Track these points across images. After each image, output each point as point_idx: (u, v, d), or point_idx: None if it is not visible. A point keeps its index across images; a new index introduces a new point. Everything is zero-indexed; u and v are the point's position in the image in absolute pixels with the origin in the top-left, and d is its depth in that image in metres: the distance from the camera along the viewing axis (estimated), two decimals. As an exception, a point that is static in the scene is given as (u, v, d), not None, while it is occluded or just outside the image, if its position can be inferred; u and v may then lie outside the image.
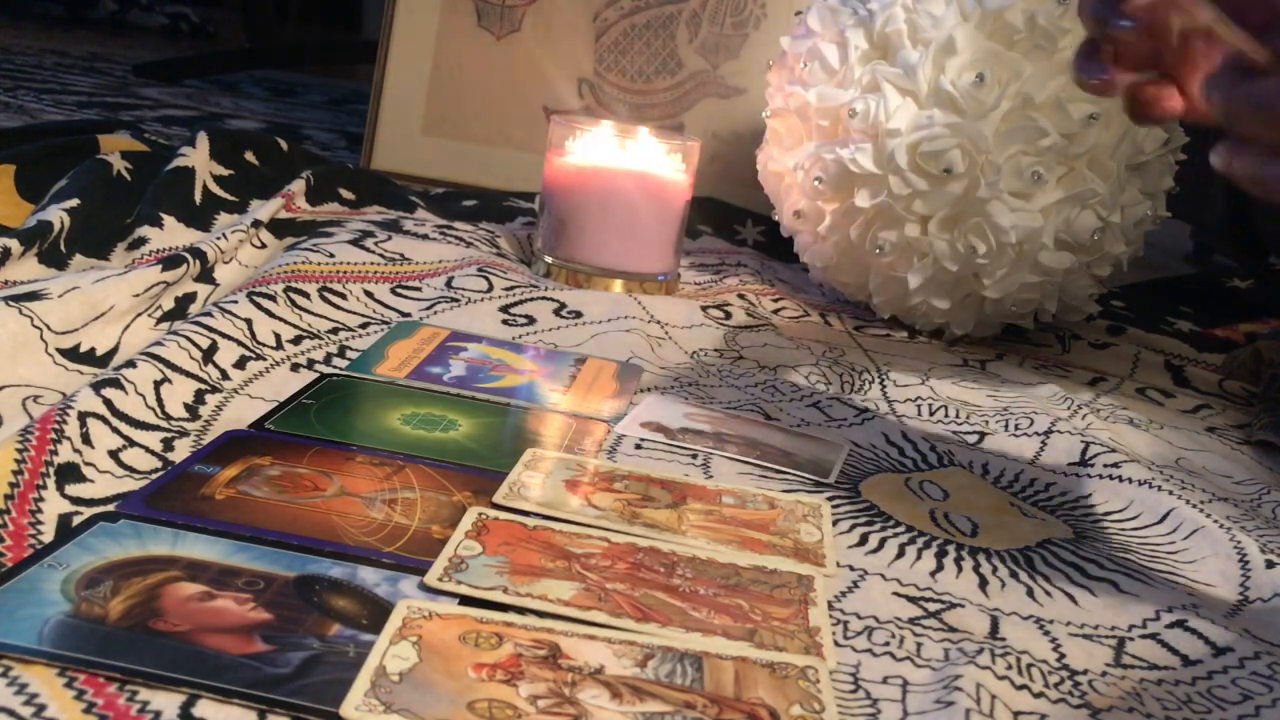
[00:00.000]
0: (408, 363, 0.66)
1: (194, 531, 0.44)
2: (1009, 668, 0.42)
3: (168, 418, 0.53)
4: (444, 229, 0.94)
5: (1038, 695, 0.41)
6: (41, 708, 0.33)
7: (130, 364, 0.54)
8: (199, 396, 0.56)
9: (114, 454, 0.49)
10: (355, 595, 0.41)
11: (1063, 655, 0.44)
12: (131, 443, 0.50)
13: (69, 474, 0.46)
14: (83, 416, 0.49)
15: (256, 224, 0.82)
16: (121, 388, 0.52)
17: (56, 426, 0.47)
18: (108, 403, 0.50)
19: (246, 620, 0.38)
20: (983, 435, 0.68)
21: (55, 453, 0.46)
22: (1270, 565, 0.53)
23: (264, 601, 0.40)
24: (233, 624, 0.38)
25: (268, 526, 0.45)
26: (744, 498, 0.54)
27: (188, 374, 0.57)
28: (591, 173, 0.87)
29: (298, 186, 0.92)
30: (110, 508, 0.45)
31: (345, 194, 0.99)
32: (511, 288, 0.83)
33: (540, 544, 0.46)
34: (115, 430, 0.50)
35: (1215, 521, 0.57)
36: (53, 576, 0.39)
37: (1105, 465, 0.64)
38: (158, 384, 0.54)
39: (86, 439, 0.48)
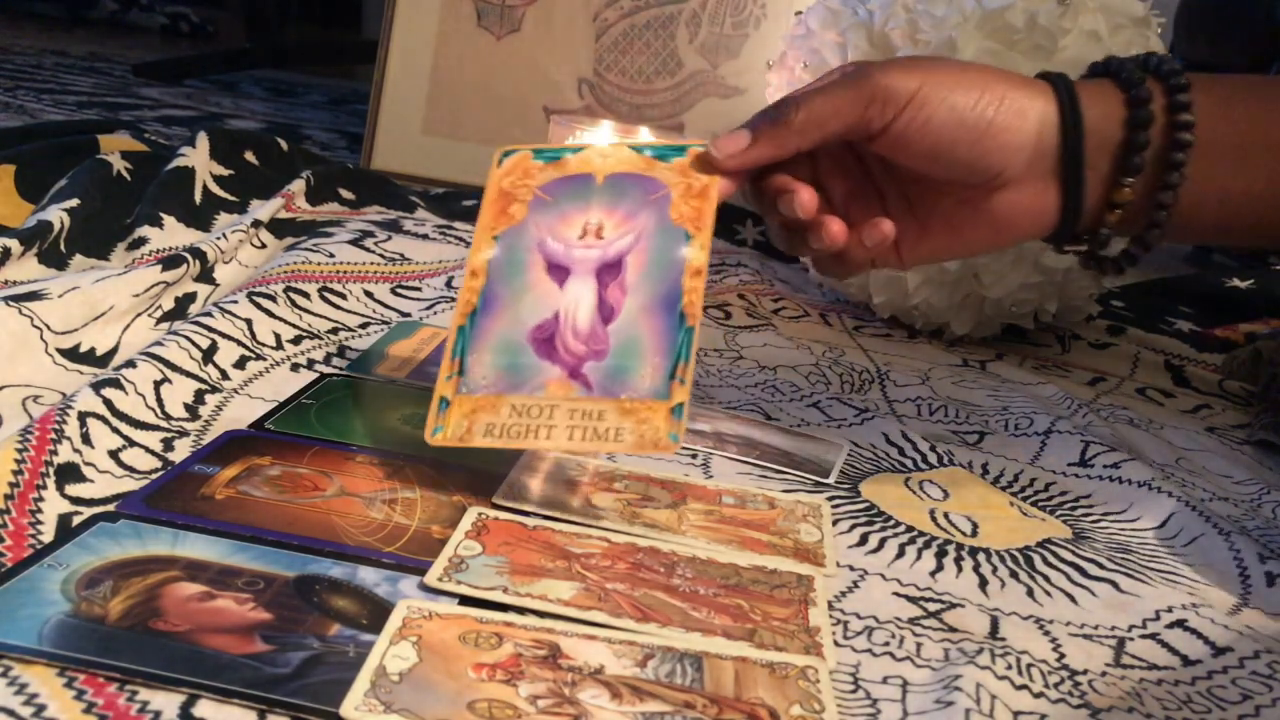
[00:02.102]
0: (408, 362, 0.66)
1: (194, 531, 0.44)
2: (1009, 668, 0.42)
3: (168, 418, 0.53)
4: (444, 229, 0.94)
5: (1037, 695, 0.41)
6: (41, 708, 0.33)
7: (130, 364, 0.54)
8: (199, 396, 0.56)
9: (114, 454, 0.49)
10: (355, 595, 0.41)
11: (1062, 655, 0.44)
12: (131, 443, 0.50)
13: (69, 474, 0.46)
14: (82, 416, 0.49)
15: (256, 224, 0.82)
16: (121, 388, 0.52)
17: (56, 426, 0.47)
18: (108, 403, 0.50)
19: (246, 620, 0.38)
20: (982, 435, 0.68)
21: (55, 453, 0.46)
22: (1270, 581, 0.52)
23: (264, 601, 0.40)
24: (233, 624, 0.38)
25: (268, 526, 0.45)
26: (744, 498, 0.54)
27: (187, 374, 0.57)
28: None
29: (298, 186, 0.92)
30: (110, 508, 0.45)
31: (345, 194, 1.00)
32: (511, 288, 0.83)
33: (540, 544, 0.46)
34: (115, 430, 0.50)
35: (1215, 527, 0.56)
36: (53, 576, 0.39)
37: (1105, 465, 0.64)
38: (158, 384, 0.54)
39: (86, 439, 0.48)
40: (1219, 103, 0.47)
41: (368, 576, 0.42)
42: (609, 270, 0.48)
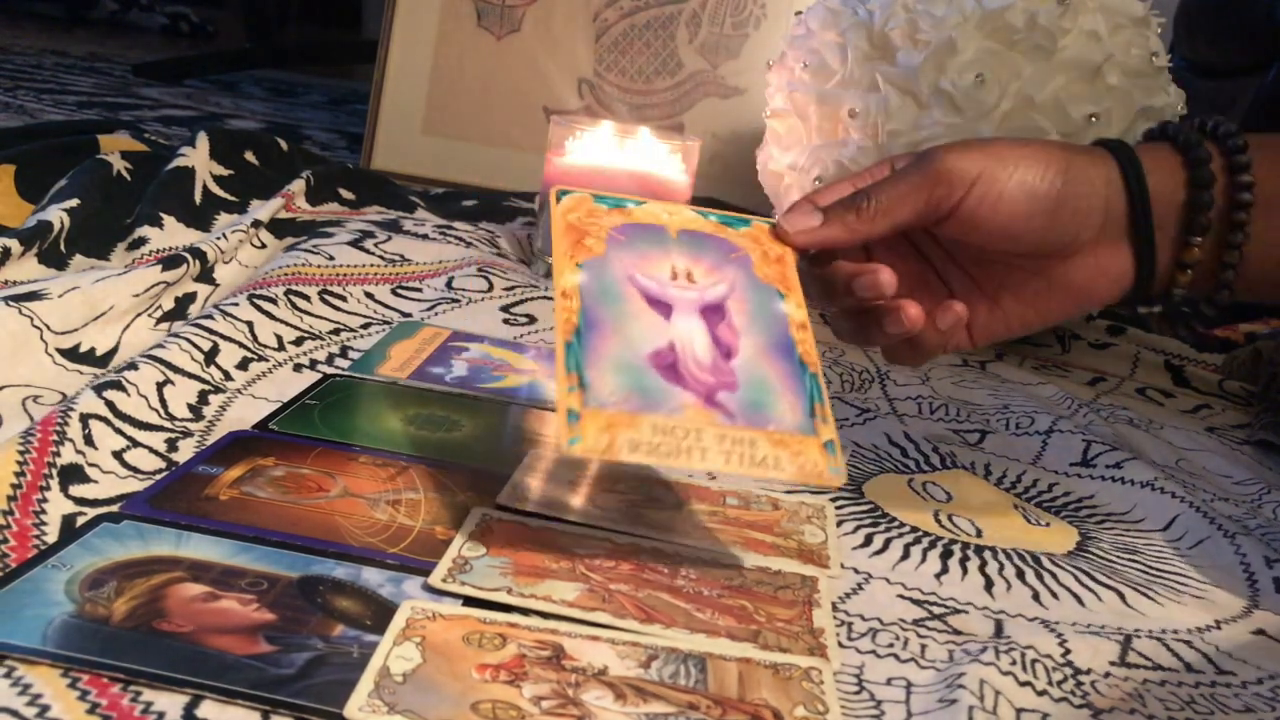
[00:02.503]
0: (410, 363, 0.66)
1: (198, 532, 0.44)
2: (1013, 663, 0.42)
3: (171, 418, 0.53)
4: (444, 229, 0.94)
5: (1041, 693, 0.41)
6: (45, 708, 0.33)
7: (131, 366, 0.54)
8: (202, 397, 0.56)
9: (118, 454, 0.49)
10: (359, 596, 0.41)
11: (1068, 651, 0.44)
12: (135, 443, 0.50)
13: (73, 474, 0.46)
14: (84, 418, 0.48)
15: (256, 224, 0.82)
16: (123, 389, 0.52)
17: (58, 428, 0.47)
18: (110, 404, 0.50)
19: (250, 621, 0.38)
20: (984, 434, 0.68)
21: (58, 454, 0.46)
22: (1278, 587, 0.53)
23: (268, 602, 0.40)
24: (236, 625, 0.38)
25: (271, 527, 0.45)
26: (748, 499, 0.54)
27: (190, 375, 0.57)
28: (591, 173, 0.87)
29: (298, 186, 0.92)
30: (114, 508, 0.45)
31: (345, 194, 0.99)
32: (512, 287, 0.83)
33: (544, 545, 0.46)
34: (118, 431, 0.50)
35: (1221, 530, 0.56)
36: (57, 577, 0.39)
37: (1107, 465, 0.64)
38: (160, 385, 0.54)
39: (89, 440, 0.48)
40: (1277, 161, 0.47)
41: (371, 577, 0.42)
42: (713, 312, 0.48)
